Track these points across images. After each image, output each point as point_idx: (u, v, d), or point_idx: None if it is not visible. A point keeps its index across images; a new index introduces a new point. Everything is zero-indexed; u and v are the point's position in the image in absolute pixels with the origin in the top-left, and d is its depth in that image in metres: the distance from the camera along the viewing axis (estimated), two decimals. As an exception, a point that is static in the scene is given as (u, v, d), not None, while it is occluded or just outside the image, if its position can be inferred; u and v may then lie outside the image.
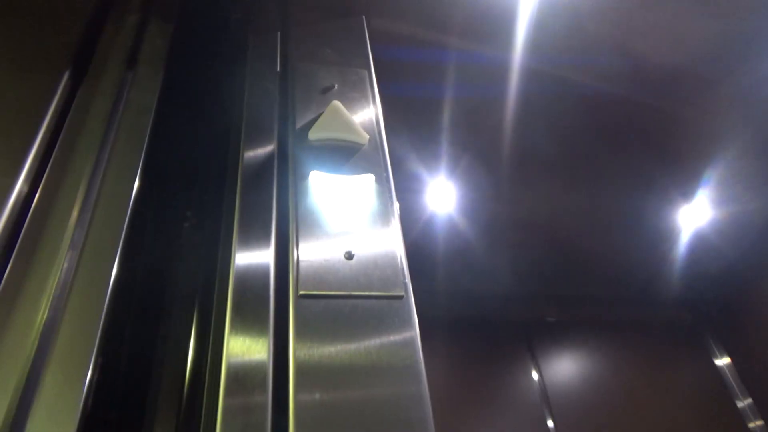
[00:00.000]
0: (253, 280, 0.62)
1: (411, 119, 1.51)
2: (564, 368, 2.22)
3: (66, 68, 0.71)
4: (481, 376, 2.12)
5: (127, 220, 0.63)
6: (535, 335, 2.26)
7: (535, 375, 2.16)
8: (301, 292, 0.61)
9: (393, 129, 1.42)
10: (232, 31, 0.92)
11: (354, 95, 0.84)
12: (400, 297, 0.62)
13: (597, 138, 1.66)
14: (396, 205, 0.72)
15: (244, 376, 0.54)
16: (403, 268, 0.65)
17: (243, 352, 0.56)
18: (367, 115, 0.82)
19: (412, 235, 1.87)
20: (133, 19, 0.85)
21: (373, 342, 0.58)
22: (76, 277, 0.56)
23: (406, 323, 0.60)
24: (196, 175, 0.81)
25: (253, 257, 0.64)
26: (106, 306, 0.56)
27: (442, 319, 2.19)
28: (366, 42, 0.94)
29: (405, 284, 0.64)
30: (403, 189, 1.69)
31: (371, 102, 0.83)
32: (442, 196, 1.81)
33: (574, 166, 1.79)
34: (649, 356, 2.31)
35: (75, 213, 0.61)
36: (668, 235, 2.04)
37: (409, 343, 0.59)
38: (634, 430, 2.13)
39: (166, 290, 0.71)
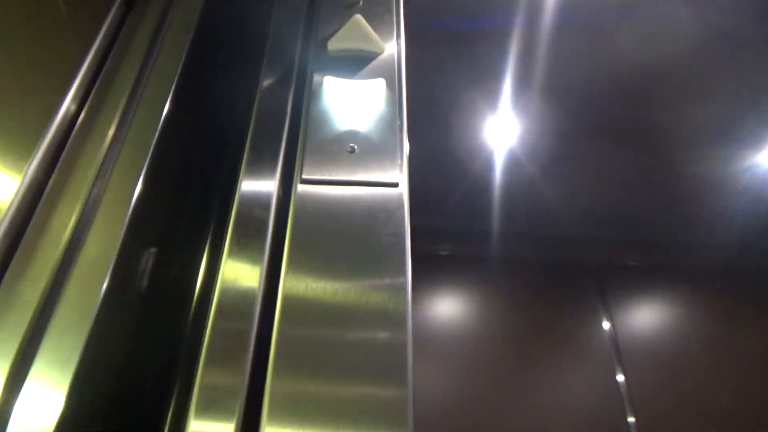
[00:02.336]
0: (259, 173, 0.68)
1: (468, 52, 1.51)
2: (639, 318, 2.14)
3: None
4: (548, 323, 2.10)
5: (155, 140, 0.70)
6: (609, 281, 2.20)
7: (606, 324, 2.10)
8: (303, 177, 0.67)
9: (448, 64, 1.43)
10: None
11: (377, 10, 0.88)
12: (395, 185, 0.67)
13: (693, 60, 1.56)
14: (404, 108, 0.76)
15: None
16: (402, 163, 0.69)
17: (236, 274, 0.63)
18: (388, 27, 0.85)
19: (473, 172, 1.87)
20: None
21: (363, 233, 0.62)
22: (105, 192, 0.64)
23: (399, 210, 0.65)
24: (226, 89, 0.89)
25: (262, 159, 0.71)
26: (127, 222, 0.63)
27: (508, 261, 2.18)
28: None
29: (401, 175, 0.68)
30: (462, 125, 1.70)
31: (393, 15, 0.87)
32: (505, 131, 1.80)
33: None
34: (739, 308, 2.16)
35: (112, 131, 0.70)
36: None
37: (398, 237, 0.63)
38: (716, 391, 2.03)
39: (184, 200, 0.79)
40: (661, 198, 2.09)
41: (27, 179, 0.62)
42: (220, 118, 0.80)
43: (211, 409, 0.51)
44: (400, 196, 0.66)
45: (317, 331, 0.55)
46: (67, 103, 0.69)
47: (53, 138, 0.66)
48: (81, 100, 0.72)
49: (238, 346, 0.55)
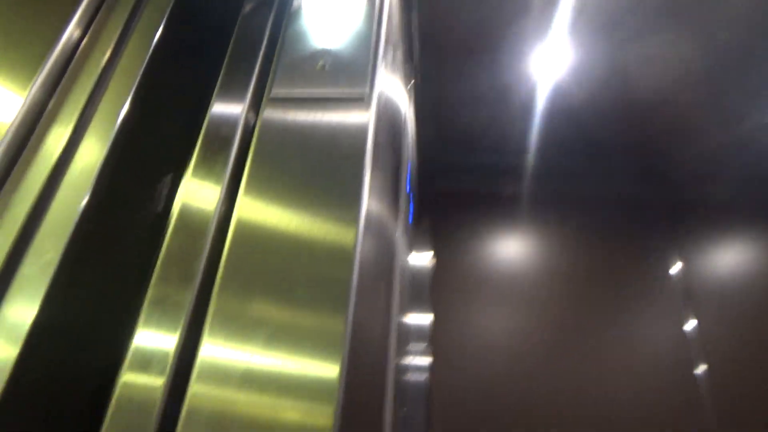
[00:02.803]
0: (231, 93, 0.70)
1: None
2: (714, 258, 1.98)
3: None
4: (616, 264, 2.00)
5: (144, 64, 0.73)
6: (679, 217, 2.04)
7: (678, 264, 1.97)
8: (272, 95, 0.68)
9: None
10: None
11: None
12: (361, 98, 0.66)
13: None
14: (383, 24, 0.74)
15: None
16: (372, 78, 0.68)
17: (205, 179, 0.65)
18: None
19: (519, 102, 1.79)
20: None
21: (323, 159, 0.62)
22: (96, 113, 0.68)
23: (362, 132, 0.64)
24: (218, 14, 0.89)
25: (236, 80, 0.72)
26: (111, 142, 0.67)
27: (564, 197, 2.09)
28: None
29: (370, 91, 0.67)
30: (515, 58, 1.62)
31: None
32: (563, 61, 1.69)
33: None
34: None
35: (109, 53, 0.73)
36: None
37: (356, 166, 0.62)
38: None
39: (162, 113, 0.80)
40: (742, 124, 1.88)
41: (29, 100, 0.67)
42: (210, 43, 0.81)
43: (159, 319, 0.55)
44: (366, 114, 0.65)
45: (266, 255, 0.56)
46: (70, 30, 0.74)
47: (56, 62, 0.71)
48: (84, 27, 0.76)
49: (191, 260, 0.58)
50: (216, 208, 0.61)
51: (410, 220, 1.35)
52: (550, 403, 1.74)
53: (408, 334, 1.77)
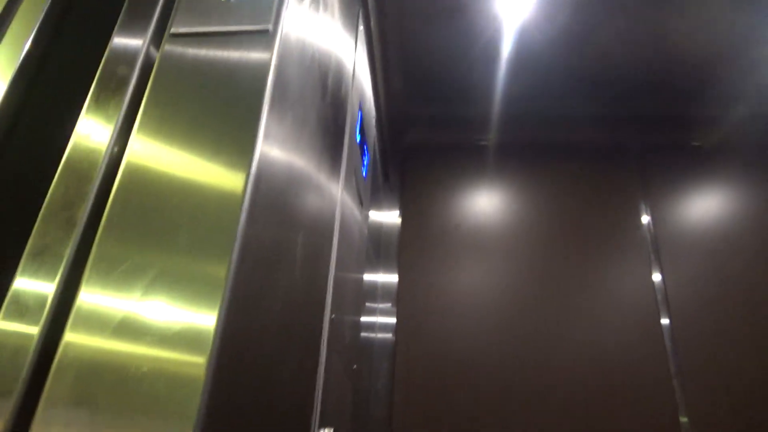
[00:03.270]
0: (132, 30, 0.65)
1: None
2: (680, 204, 1.95)
3: None
4: (587, 213, 1.97)
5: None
6: (648, 163, 2.01)
7: (644, 217, 1.95)
8: (172, 31, 0.63)
9: None
10: None
11: None
12: (266, 31, 0.61)
13: None
14: (298, -48, 0.69)
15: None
16: (279, 8, 0.63)
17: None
18: None
19: (484, 48, 1.73)
20: None
21: (219, 101, 0.58)
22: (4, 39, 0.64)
23: (263, 67, 0.59)
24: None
25: (137, 18, 0.67)
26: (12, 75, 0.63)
27: (532, 147, 2.05)
28: None
29: (276, 22, 0.62)
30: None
31: None
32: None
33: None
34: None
35: None
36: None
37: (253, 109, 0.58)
38: (763, 275, 1.81)
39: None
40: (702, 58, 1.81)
41: None
42: None
43: (40, 266, 0.52)
44: (268, 51, 0.60)
45: (152, 200, 0.53)
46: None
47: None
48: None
49: (79, 205, 0.54)
50: (106, 149, 0.57)
51: (364, 175, 1.31)
52: (518, 355, 1.75)
53: (371, 292, 1.75)
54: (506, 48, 1.70)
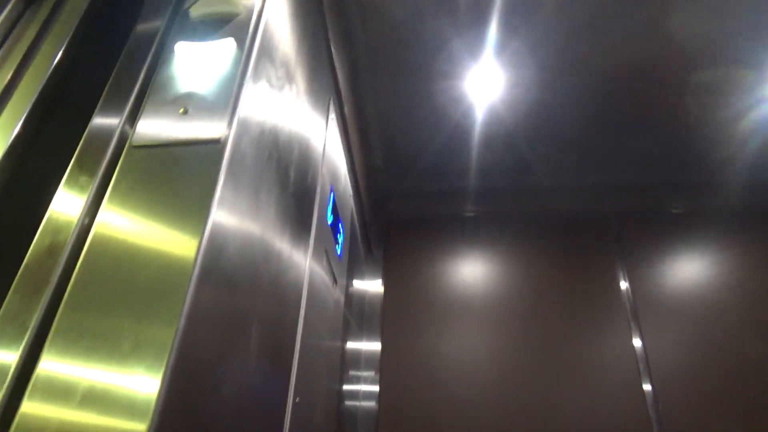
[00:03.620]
0: (100, 137, 0.72)
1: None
2: (658, 270, 1.98)
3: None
4: (567, 280, 2.00)
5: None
6: (624, 229, 2.05)
7: (623, 283, 1.98)
8: (133, 143, 0.69)
9: (433, 12, 1.38)
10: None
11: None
12: (217, 141, 0.67)
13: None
14: (251, 65, 0.76)
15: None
16: (231, 118, 0.70)
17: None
18: (254, -15, 0.85)
19: (455, 125, 1.82)
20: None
21: (174, 193, 0.64)
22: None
23: (214, 167, 0.65)
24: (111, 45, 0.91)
25: (107, 121, 0.73)
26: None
27: (509, 216, 2.11)
28: None
29: (227, 131, 0.68)
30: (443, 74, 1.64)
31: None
32: (491, 82, 1.72)
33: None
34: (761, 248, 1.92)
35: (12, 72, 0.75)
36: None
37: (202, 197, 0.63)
38: (744, 341, 1.81)
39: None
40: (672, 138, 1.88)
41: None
42: (97, 72, 0.83)
43: (5, 333, 0.56)
44: (220, 152, 0.66)
45: (114, 269, 0.58)
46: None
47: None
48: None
49: (47, 274, 0.59)
50: (77, 221, 0.63)
51: (338, 253, 1.36)
52: (503, 422, 1.74)
53: (355, 361, 1.76)
54: (478, 126, 1.79)
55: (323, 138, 1.22)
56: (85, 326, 0.54)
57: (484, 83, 1.69)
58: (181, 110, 0.72)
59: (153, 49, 0.81)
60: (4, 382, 0.53)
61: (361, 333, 1.88)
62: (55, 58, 0.81)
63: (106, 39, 0.88)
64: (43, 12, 0.89)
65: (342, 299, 1.42)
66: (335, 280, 1.31)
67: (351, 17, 1.48)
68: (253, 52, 0.78)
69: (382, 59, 1.62)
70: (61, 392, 0.51)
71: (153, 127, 0.71)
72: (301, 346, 0.97)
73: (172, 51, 0.79)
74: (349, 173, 1.62)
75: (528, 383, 1.81)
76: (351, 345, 1.66)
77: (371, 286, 2.03)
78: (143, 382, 0.50)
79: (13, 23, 0.88)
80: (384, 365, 1.85)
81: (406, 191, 2.17)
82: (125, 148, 0.69)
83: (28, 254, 0.62)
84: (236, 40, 0.78)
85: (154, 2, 0.87)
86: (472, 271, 2.06)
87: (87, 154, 0.70)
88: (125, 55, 0.81)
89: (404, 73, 1.67)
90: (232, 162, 0.68)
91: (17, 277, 0.60)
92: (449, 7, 1.50)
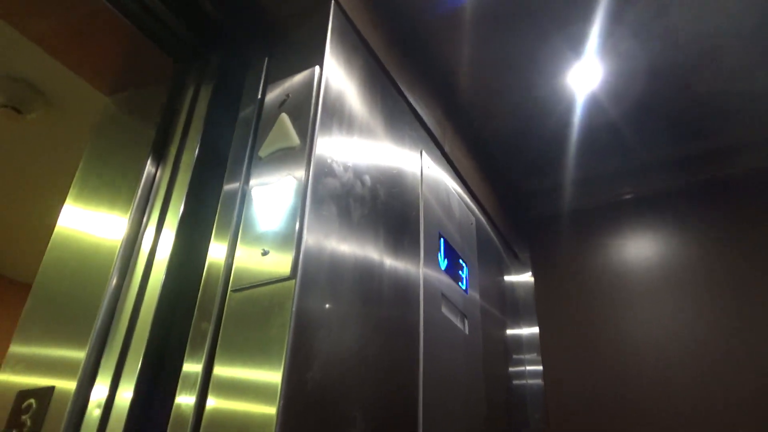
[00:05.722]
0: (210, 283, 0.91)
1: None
2: None
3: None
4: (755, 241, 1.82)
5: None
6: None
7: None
8: (231, 289, 0.87)
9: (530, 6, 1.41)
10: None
11: (300, 100, 1.01)
12: (288, 278, 0.82)
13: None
14: (309, 197, 0.89)
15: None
16: (298, 254, 0.84)
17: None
18: (305, 114, 0.98)
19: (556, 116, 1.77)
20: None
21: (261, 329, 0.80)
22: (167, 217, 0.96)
23: (286, 301, 0.80)
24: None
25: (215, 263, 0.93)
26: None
27: (669, 194, 1.96)
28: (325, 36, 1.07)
29: (295, 268, 0.83)
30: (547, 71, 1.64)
31: (312, 104, 0.99)
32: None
33: None
34: None
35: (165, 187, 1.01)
36: None
37: (282, 328, 0.79)
38: None
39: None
40: None
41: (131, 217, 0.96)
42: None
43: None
44: (291, 286, 0.81)
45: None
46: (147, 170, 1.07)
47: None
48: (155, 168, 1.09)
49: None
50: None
51: (464, 287, 1.44)
52: (659, 402, 1.68)
53: (515, 346, 1.87)
54: (607, 106, 1.73)
55: (417, 195, 1.31)
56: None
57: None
58: (261, 251, 0.88)
59: (239, 194, 0.99)
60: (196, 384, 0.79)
61: (519, 322, 1.98)
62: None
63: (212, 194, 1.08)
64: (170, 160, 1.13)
65: (479, 325, 1.50)
66: (464, 316, 1.40)
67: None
68: (308, 186, 0.90)
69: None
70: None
71: (244, 270, 0.88)
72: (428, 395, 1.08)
73: (250, 196, 0.95)
74: (470, 200, 1.68)
75: (700, 357, 1.71)
76: (510, 332, 1.84)
77: (522, 279, 2.10)
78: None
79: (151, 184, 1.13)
80: (544, 347, 1.94)
81: (539, 192, 2.16)
82: (228, 293, 0.88)
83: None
84: (296, 174, 0.92)
85: (237, 151, 1.06)
86: (621, 255, 1.99)
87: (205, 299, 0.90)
88: (221, 204, 1.01)
89: (506, 86, 1.68)
90: (302, 295, 0.82)
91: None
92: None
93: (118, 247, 1.00)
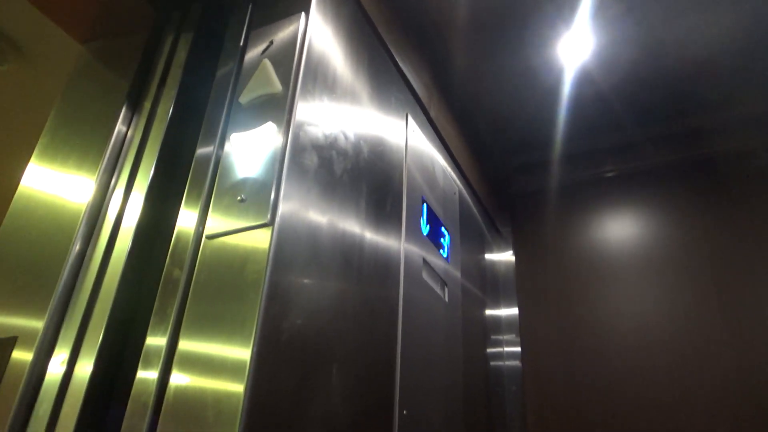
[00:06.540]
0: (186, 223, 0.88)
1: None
2: None
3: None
4: (730, 221, 1.82)
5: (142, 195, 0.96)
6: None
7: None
8: (206, 234, 0.84)
9: None
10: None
11: (284, 46, 0.97)
12: (266, 224, 0.79)
13: None
14: (289, 144, 0.86)
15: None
16: (276, 202, 0.81)
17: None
18: (288, 61, 0.94)
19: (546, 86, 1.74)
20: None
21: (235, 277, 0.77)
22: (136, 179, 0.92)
23: (262, 248, 0.77)
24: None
25: (189, 212, 0.89)
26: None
27: (650, 172, 1.96)
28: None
29: (274, 214, 0.80)
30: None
31: (296, 51, 0.95)
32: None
33: None
34: None
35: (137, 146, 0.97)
36: None
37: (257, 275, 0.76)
38: None
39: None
40: None
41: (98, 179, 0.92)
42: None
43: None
44: (268, 233, 0.78)
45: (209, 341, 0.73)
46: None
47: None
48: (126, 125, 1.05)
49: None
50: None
51: (445, 255, 1.42)
52: (638, 383, 1.69)
53: (494, 326, 1.86)
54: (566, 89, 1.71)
55: (402, 158, 1.28)
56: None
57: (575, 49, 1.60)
58: (239, 198, 0.85)
59: (217, 141, 0.95)
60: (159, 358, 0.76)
61: (498, 301, 1.97)
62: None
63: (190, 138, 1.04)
64: (143, 115, 1.08)
65: (459, 296, 1.49)
66: (444, 283, 1.39)
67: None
68: (289, 132, 0.87)
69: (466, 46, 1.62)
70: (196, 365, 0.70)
71: (219, 217, 0.85)
72: (402, 360, 1.07)
73: (230, 143, 0.92)
74: (454, 170, 1.66)
75: (678, 337, 1.72)
76: (489, 312, 1.83)
77: (503, 257, 2.09)
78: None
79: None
80: (523, 327, 1.93)
81: (524, 166, 2.14)
82: (203, 240, 0.85)
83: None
84: (278, 121, 0.88)
85: (216, 98, 1.02)
86: (603, 233, 1.99)
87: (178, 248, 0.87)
88: (198, 152, 0.97)
89: (495, 52, 1.65)
90: (280, 242, 0.79)
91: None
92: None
93: (83, 210, 0.95)
